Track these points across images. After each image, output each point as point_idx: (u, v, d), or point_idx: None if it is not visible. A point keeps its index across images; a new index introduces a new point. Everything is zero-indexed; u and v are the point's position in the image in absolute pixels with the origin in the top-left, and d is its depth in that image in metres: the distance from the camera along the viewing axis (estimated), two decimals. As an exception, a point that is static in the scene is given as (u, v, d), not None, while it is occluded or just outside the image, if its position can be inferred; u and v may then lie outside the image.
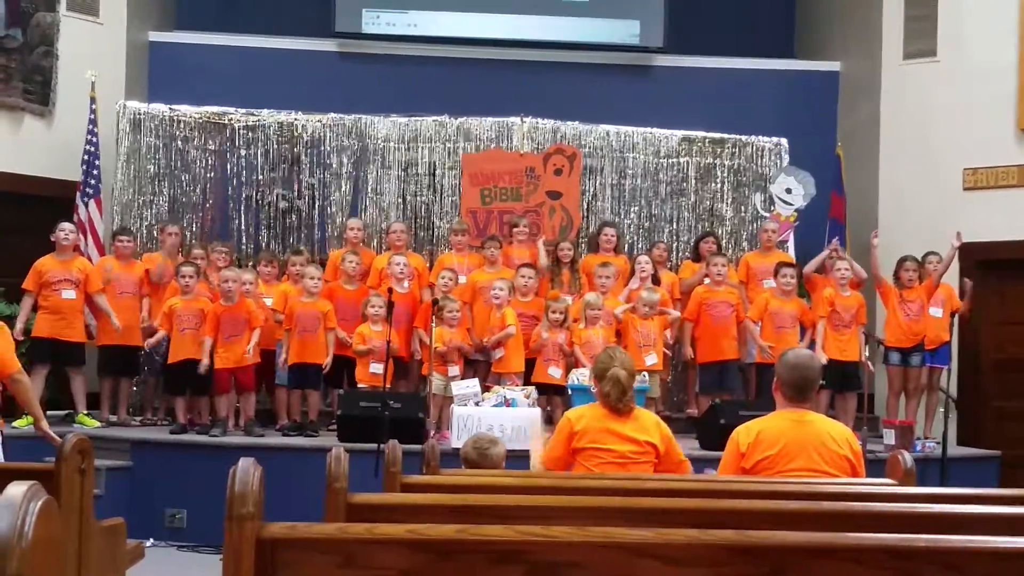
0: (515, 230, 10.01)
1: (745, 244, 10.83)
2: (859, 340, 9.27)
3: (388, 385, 8.48)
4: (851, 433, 4.63)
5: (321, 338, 8.97)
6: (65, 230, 9.16)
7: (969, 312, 9.79)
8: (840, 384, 9.14)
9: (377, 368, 8.67)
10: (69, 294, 8.97)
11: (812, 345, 9.06)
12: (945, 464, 8.16)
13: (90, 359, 9.45)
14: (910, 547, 2.36)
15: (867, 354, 9.07)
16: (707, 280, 9.70)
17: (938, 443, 8.56)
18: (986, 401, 10.64)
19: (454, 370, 8.85)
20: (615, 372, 4.92)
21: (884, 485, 3.91)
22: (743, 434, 4.53)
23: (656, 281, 9.64)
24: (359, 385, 8.87)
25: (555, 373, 8.96)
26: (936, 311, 9.57)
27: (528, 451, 5.56)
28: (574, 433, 4.93)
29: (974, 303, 9.89)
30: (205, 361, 8.72)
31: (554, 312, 9.00)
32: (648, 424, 5.02)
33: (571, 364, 9.02)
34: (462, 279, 9.59)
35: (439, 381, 8.68)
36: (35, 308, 9.04)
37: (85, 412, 9.15)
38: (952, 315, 9.46)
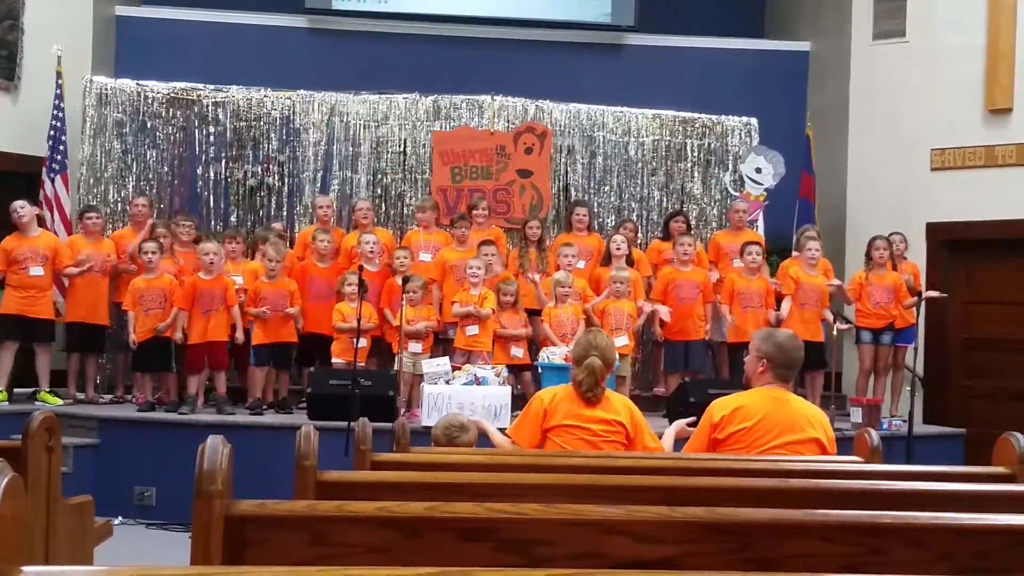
0: (475, 212, 9.92)
1: (714, 223, 10.85)
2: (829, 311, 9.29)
3: (365, 363, 8.45)
4: (825, 417, 4.70)
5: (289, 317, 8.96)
6: (17, 210, 8.94)
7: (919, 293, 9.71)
8: (808, 363, 9.13)
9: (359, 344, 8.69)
10: (37, 271, 8.88)
11: (778, 324, 9.10)
12: (911, 442, 8.22)
13: (58, 337, 9.36)
14: (876, 523, 2.39)
15: (834, 332, 9.09)
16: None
17: (904, 421, 8.62)
18: (952, 380, 10.75)
19: (416, 347, 8.82)
20: (591, 362, 4.95)
21: (851, 462, 3.95)
22: (719, 407, 4.60)
23: (630, 261, 9.65)
24: (334, 361, 8.84)
25: (517, 353, 8.98)
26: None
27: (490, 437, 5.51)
28: (545, 412, 4.96)
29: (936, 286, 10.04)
30: (179, 334, 8.68)
31: (505, 295, 8.99)
32: (618, 405, 5.07)
33: (536, 342, 9.08)
34: (425, 256, 9.55)
35: (409, 359, 8.67)
36: (2, 285, 8.95)
37: (48, 390, 9.07)
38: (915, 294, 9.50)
